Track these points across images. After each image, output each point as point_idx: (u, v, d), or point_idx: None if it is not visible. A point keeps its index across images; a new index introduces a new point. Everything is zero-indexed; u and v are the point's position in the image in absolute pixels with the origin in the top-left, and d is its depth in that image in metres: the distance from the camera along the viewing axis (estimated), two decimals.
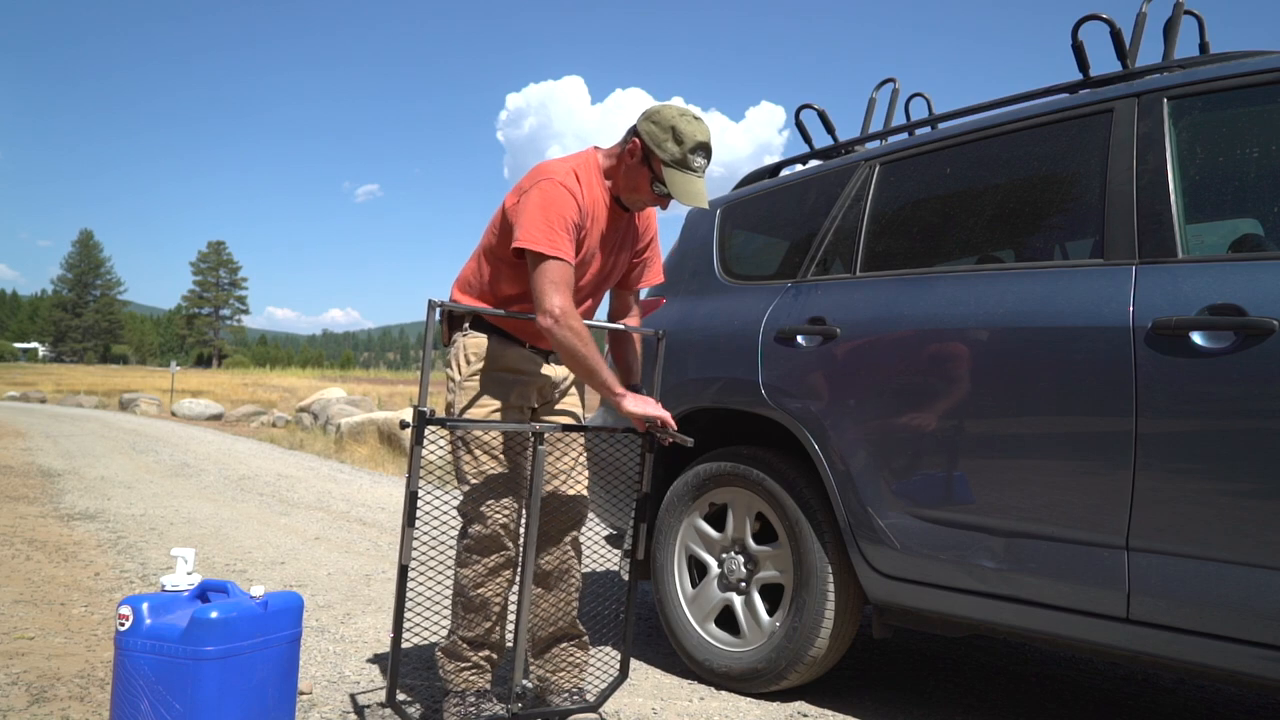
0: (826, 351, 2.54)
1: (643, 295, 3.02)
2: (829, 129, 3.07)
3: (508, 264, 2.25)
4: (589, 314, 2.40)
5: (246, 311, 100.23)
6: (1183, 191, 2.01)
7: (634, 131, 2.21)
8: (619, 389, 2.18)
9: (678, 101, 2.41)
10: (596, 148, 2.32)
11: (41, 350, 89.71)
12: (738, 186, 3.32)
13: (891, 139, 2.87)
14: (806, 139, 3.15)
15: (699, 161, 2.16)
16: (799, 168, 3.14)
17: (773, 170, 3.25)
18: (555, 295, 2.06)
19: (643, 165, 2.19)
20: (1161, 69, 2.20)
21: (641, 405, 2.19)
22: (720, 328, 2.89)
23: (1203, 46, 2.41)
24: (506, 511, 2.25)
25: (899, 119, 2.95)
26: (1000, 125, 2.41)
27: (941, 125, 2.67)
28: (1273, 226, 1.97)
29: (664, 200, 2.24)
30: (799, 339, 2.62)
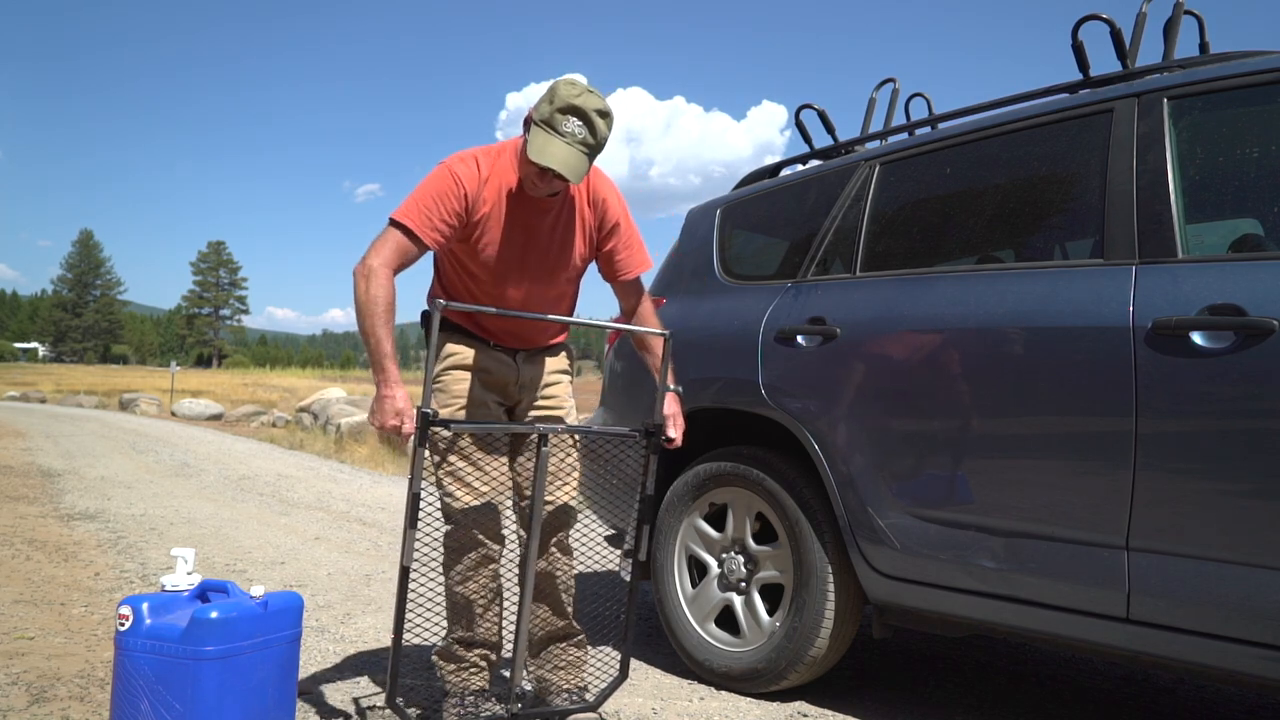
0: (826, 351, 2.54)
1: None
2: (829, 129, 3.07)
3: (449, 262, 2.30)
4: (560, 300, 2.35)
5: (246, 311, 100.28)
6: (1183, 191, 2.01)
7: None
8: (385, 376, 2.05)
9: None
10: None
11: (41, 350, 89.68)
12: (738, 186, 3.32)
13: (891, 139, 2.87)
14: (806, 139, 3.15)
15: (569, 126, 2.03)
16: (799, 168, 3.14)
17: (773, 170, 3.25)
18: (377, 255, 2.09)
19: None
20: (1161, 69, 2.20)
21: (378, 410, 2.06)
22: (720, 328, 2.89)
23: (1203, 46, 2.41)
24: (479, 509, 2.23)
25: (899, 119, 2.95)
26: (1000, 125, 2.41)
27: (941, 125, 2.67)
28: (1273, 226, 1.97)
29: (536, 171, 2.07)
30: (799, 339, 2.62)
